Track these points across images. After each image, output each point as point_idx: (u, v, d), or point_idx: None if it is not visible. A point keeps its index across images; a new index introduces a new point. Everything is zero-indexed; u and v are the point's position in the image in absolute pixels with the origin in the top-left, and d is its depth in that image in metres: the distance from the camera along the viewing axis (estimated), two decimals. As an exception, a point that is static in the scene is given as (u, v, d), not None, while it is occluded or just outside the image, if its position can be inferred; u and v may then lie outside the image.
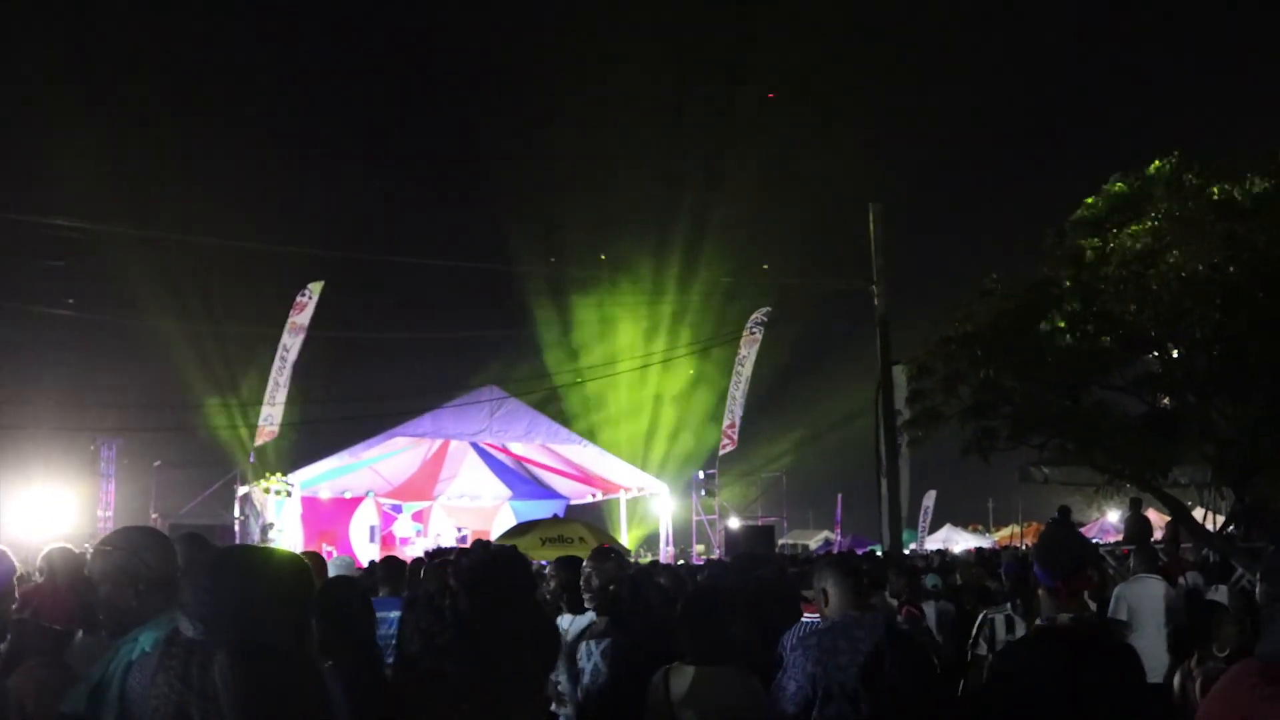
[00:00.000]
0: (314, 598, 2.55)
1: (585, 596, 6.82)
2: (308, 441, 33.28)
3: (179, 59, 72.08)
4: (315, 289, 30.78)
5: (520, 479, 35.56)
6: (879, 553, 22.54)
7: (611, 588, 6.66)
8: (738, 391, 36.68)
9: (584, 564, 7.15)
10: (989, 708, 5.14)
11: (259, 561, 2.56)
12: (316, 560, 7.38)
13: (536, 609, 2.99)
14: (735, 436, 36.90)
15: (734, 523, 34.13)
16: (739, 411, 36.84)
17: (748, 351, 36.33)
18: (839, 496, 46.68)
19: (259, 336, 36.38)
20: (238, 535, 28.16)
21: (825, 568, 5.81)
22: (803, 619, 6.35)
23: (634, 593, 6.44)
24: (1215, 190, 16.60)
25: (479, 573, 2.75)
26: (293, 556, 2.65)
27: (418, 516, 33.79)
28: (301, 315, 30.71)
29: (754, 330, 35.90)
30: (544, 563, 20.07)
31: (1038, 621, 5.21)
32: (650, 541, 38.02)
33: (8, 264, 35.17)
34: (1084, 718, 4.76)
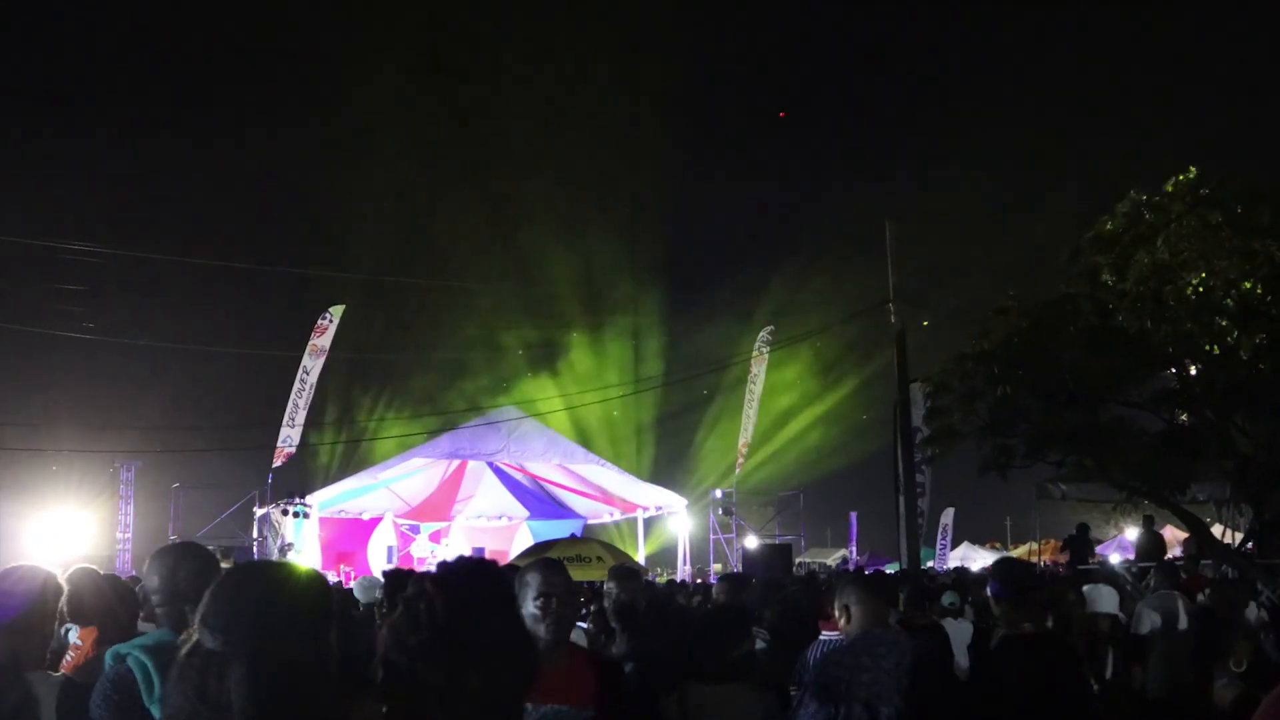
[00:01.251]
0: (334, 612, 2.57)
1: (612, 618, 6.84)
2: (326, 462, 33.38)
3: (198, 86, 72.40)
4: (336, 312, 30.90)
5: (538, 498, 35.52)
6: (889, 571, 22.49)
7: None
8: (751, 410, 36.71)
9: (606, 582, 7.18)
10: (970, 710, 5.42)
11: (279, 574, 2.59)
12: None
13: (515, 621, 3.00)
14: (747, 454, 36.96)
15: (751, 541, 34.03)
16: (752, 430, 36.88)
17: (758, 370, 36.37)
18: (853, 515, 46.50)
19: (279, 359, 36.55)
20: (256, 556, 28.20)
21: (848, 585, 5.82)
22: (821, 636, 6.37)
23: (657, 613, 6.46)
24: (1233, 206, 16.62)
25: (454, 579, 2.79)
26: (312, 571, 2.69)
27: (435, 537, 33.76)
28: (322, 338, 30.81)
29: (761, 350, 35.94)
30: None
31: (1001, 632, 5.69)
32: (667, 559, 37.98)
33: (29, 288, 35.37)
34: (1049, 714, 5.32)
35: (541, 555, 20.99)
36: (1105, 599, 12.27)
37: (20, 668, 4.59)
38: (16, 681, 4.48)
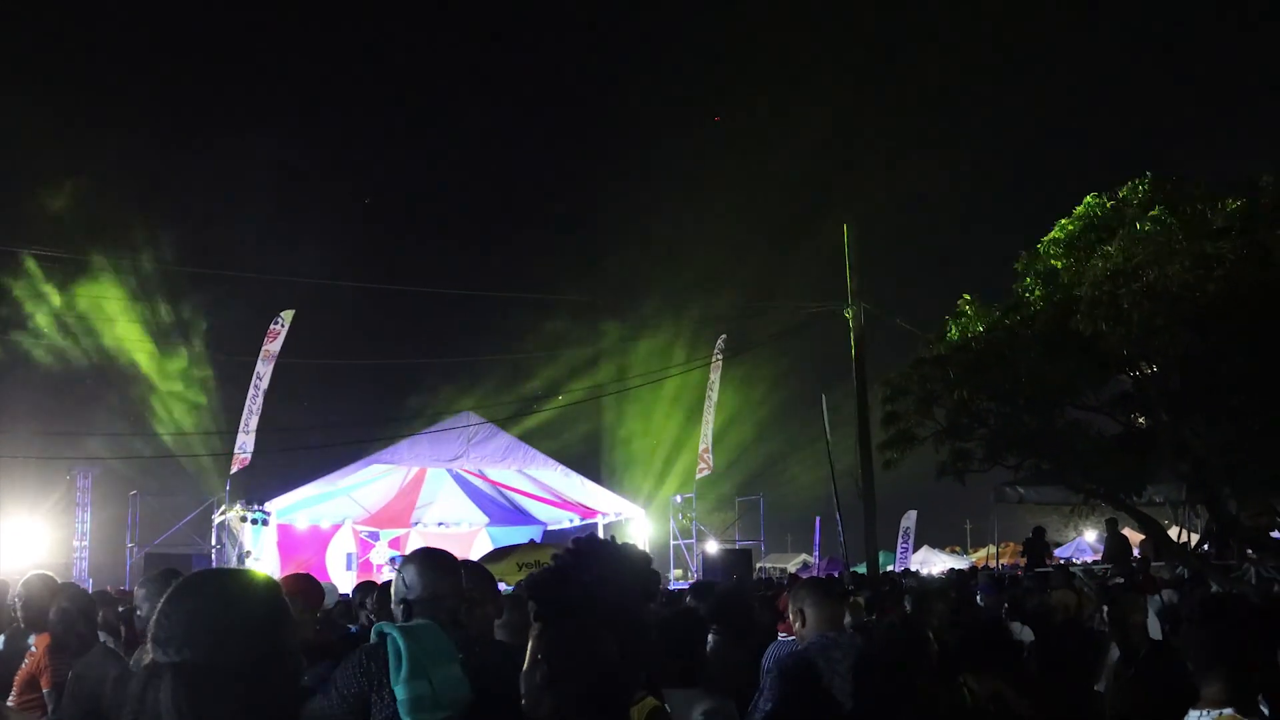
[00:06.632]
0: (287, 619, 2.53)
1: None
2: (285, 469, 33.22)
3: (155, 88, 71.86)
4: (287, 317, 30.64)
5: (497, 505, 35.48)
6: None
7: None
8: (709, 415, 36.77)
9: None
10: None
11: (230, 583, 2.55)
12: (311, 583, 7.29)
13: None
14: (710, 460, 36.98)
15: (711, 546, 34.12)
16: (711, 435, 36.93)
17: (715, 377, 36.46)
18: (817, 519, 46.62)
19: (234, 364, 36.31)
20: (214, 564, 28.02)
21: (802, 589, 5.83)
22: (779, 639, 6.38)
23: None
24: (1187, 209, 16.72)
25: None
26: (266, 577, 2.64)
27: (395, 544, 33.61)
28: (275, 343, 30.58)
29: (717, 356, 36.03)
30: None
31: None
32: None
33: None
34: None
35: (499, 561, 21.04)
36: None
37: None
38: None
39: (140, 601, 5.84)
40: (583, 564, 3.30)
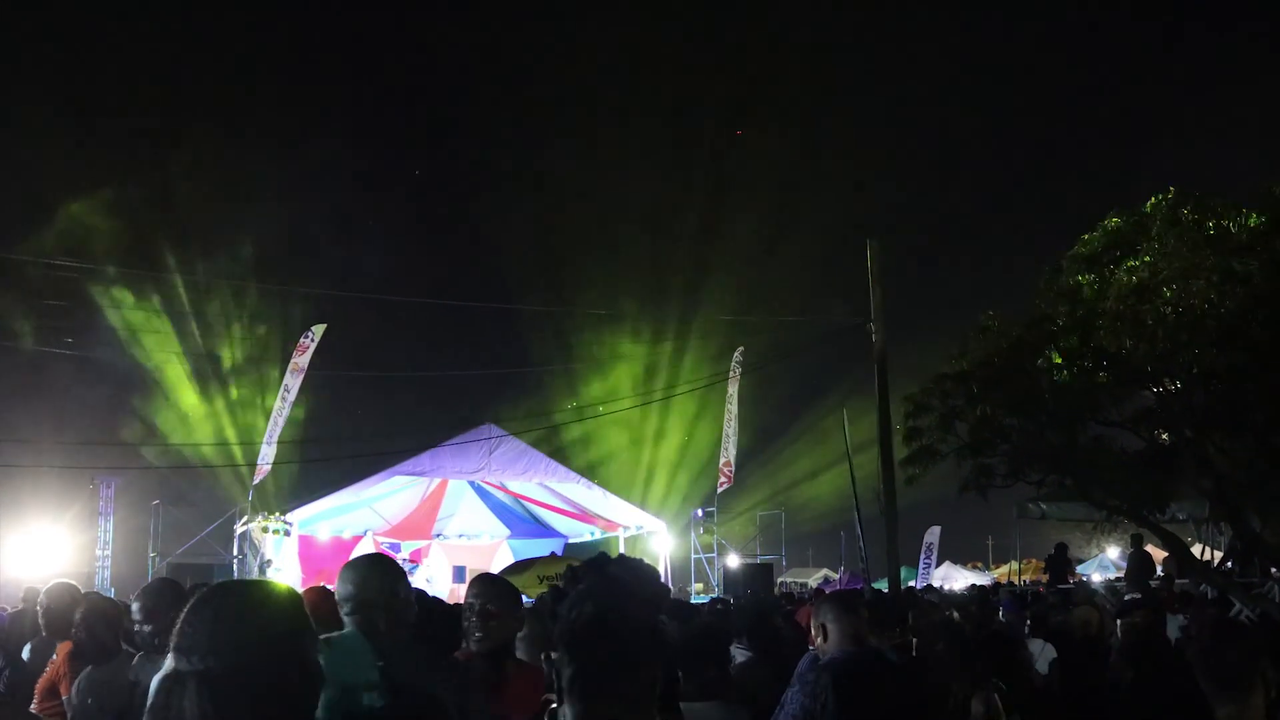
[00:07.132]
0: (308, 628, 2.56)
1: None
2: (307, 480, 33.28)
3: (180, 97, 72.16)
4: (318, 331, 30.71)
5: (518, 517, 35.47)
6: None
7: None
8: (730, 429, 36.67)
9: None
10: None
11: (251, 593, 2.58)
12: (319, 601, 7.30)
13: None
14: (732, 474, 36.88)
15: (733, 560, 34.03)
16: (733, 449, 36.83)
17: (733, 390, 36.38)
18: (843, 534, 46.52)
19: (260, 375, 36.45)
20: (236, 574, 28.07)
21: (825, 603, 5.83)
22: (810, 650, 6.38)
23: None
24: (1211, 225, 16.64)
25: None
26: (285, 588, 2.67)
27: (416, 555, 33.60)
28: (303, 357, 30.64)
29: (734, 371, 35.93)
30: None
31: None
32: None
33: (8, 303, 35.20)
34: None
35: (520, 574, 21.03)
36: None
37: None
38: None
39: (136, 612, 5.86)
40: (580, 580, 3.32)
